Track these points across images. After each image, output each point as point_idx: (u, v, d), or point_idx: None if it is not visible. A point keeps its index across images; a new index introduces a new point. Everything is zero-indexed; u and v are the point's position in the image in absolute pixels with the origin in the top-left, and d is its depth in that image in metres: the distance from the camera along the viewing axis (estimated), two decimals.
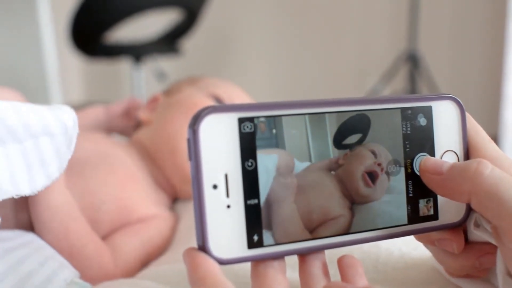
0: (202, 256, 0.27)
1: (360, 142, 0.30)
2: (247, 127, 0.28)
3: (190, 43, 2.47)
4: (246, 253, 0.28)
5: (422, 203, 0.32)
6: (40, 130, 0.39)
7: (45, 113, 0.40)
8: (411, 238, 0.41)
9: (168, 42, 2.14)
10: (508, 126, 2.10)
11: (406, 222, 0.31)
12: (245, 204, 0.27)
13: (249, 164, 0.28)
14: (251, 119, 0.28)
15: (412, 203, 0.32)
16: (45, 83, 2.11)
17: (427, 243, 0.34)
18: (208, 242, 0.27)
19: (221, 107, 0.27)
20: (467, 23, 2.34)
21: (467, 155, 0.33)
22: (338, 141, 0.30)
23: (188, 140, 0.27)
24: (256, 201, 0.28)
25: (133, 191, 0.54)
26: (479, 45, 2.33)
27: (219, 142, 0.27)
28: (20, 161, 0.38)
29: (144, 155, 0.60)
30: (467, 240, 0.33)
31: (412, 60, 2.18)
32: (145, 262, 0.51)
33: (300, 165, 0.29)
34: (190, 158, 0.27)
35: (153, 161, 0.60)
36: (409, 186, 0.32)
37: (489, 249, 0.33)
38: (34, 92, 2.08)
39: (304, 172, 0.29)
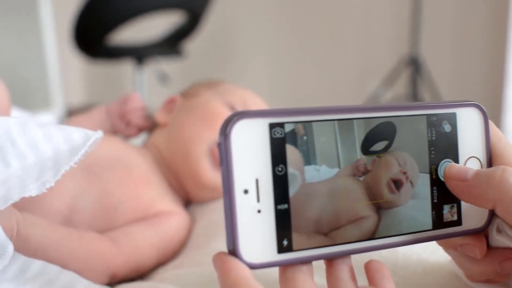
0: (233, 260, 0.27)
1: (386, 148, 0.31)
2: (278, 132, 0.28)
3: (192, 45, 2.47)
4: (276, 257, 0.28)
5: (446, 208, 0.32)
6: (62, 139, 0.40)
7: (68, 127, 0.42)
8: (429, 243, 0.41)
9: (171, 44, 2.14)
10: (509, 130, 2.10)
11: (431, 227, 0.32)
12: (276, 209, 0.28)
13: (279, 169, 0.28)
14: (281, 125, 0.28)
15: (437, 208, 0.32)
16: (47, 84, 2.11)
17: (450, 248, 0.35)
18: (239, 246, 0.27)
19: (252, 112, 0.28)
20: (469, 28, 2.35)
21: (490, 161, 0.33)
22: (366, 148, 0.30)
23: (220, 145, 0.27)
24: (286, 206, 0.28)
25: (148, 191, 0.54)
26: (481, 50, 2.34)
27: (250, 147, 0.27)
28: (35, 170, 0.39)
29: (159, 159, 0.61)
30: (488, 246, 0.34)
31: (414, 65, 2.19)
32: (161, 256, 0.51)
33: (330, 171, 0.29)
34: (221, 163, 0.27)
35: (167, 164, 0.60)
36: (434, 192, 0.32)
37: (511, 254, 0.33)
38: (36, 93, 2.08)
39: (334, 178, 0.29)
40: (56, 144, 0.40)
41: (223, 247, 0.47)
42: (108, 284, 0.47)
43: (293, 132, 0.28)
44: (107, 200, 0.51)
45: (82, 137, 0.41)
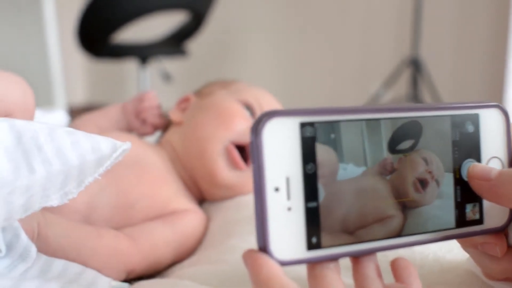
0: (264, 257, 0.27)
1: (412, 147, 0.31)
2: (308, 131, 0.28)
3: (194, 44, 2.48)
4: (305, 254, 0.28)
5: (468, 207, 0.33)
6: (89, 148, 0.40)
7: (96, 136, 0.41)
8: (445, 241, 0.41)
9: (175, 44, 2.15)
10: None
11: (454, 226, 0.32)
12: (305, 207, 0.28)
13: (309, 167, 0.28)
14: (312, 124, 0.28)
15: (460, 207, 0.32)
16: (49, 82, 2.11)
17: (469, 246, 0.35)
18: (270, 243, 0.27)
19: (283, 111, 0.28)
20: (469, 29, 2.36)
21: (511, 162, 0.34)
22: (393, 147, 0.31)
23: (251, 143, 0.28)
24: (315, 204, 0.28)
25: (165, 189, 0.55)
26: (481, 51, 2.35)
27: (281, 145, 0.28)
28: (59, 178, 0.39)
29: (173, 157, 0.61)
30: (508, 244, 0.34)
31: (415, 66, 2.20)
32: (177, 254, 0.52)
33: (357, 170, 0.30)
34: (252, 161, 0.28)
35: (182, 163, 0.60)
36: (457, 191, 0.32)
37: None
38: (38, 91, 2.07)
39: (361, 177, 0.30)
40: (83, 153, 0.39)
41: (240, 245, 0.48)
42: (124, 280, 0.48)
43: (322, 131, 0.29)
44: (124, 198, 0.51)
45: (110, 148, 0.40)
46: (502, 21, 2.24)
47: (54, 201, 0.36)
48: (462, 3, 2.35)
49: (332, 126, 0.29)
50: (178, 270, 0.49)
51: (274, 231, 0.28)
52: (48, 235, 0.42)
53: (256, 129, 0.27)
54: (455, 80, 2.43)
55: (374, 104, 0.31)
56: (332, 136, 0.29)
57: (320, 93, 2.70)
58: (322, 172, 0.29)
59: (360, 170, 0.30)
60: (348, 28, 2.59)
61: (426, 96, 2.29)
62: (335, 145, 0.29)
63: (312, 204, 0.28)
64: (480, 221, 0.33)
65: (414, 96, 2.23)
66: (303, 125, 0.28)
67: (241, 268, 0.43)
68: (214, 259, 0.46)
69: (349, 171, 0.29)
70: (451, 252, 0.44)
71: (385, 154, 0.30)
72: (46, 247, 0.42)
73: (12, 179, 0.38)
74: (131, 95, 3.40)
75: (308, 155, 0.28)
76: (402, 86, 2.40)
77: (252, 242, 0.49)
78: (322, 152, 0.29)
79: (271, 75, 2.72)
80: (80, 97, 3.17)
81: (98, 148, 0.40)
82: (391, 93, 2.45)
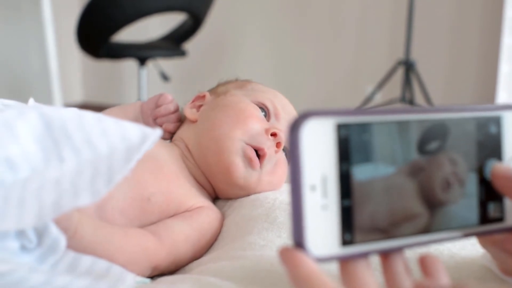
0: (301, 255, 0.28)
1: (440, 149, 0.32)
2: (344, 132, 0.29)
3: (190, 44, 2.49)
4: (339, 250, 0.29)
5: (491, 206, 0.34)
6: (119, 136, 0.40)
7: (125, 124, 0.41)
8: None
9: (173, 45, 2.15)
10: None
11: (477, 223, 0.34)
12: (340, 205, 0.29)
13: (344, 167, 0.29)
14: (347, 125, 0.29)
15: (483, 206, 0.34)
16: (47, 81, 2.10)
17: (490, 243, 0.37)
18: (306, 240, 0.28)
19: (320, 111, 0.29)
20: (462, 33, 2.39)
21: None
22: (421, 148, 0.32)
23: (289, 142, 0.29)
24: (349, 202, 0.30)
25: (180, 187, 0.56)
26: (473, 54, 2.38)
27: (318, 145, 0.29)
28: (88, 172, 0.38)
29: (186, 154, 0.61)
30: None
31: (407, 68, 2.23)
32: (196, 250, 0.53)
33: (388, 170, 0.31)
34: (290, 160, 0.29)
35: (195, 160, 0.61)
36: (480, 190, 0.34)
37: None
38: (36, 90, 2.07)
39: (392, 176, 0.31)
40: (112, 141, 0.39)
41: (258, 242, 0.49)
42: (149, 277, 0.49)
43: (357, 132, 0.30)
44: (140, 190, 0.52)
45: (139, 136, 0.40)
46: (494, 25, 2.28)
47: (84, 199, 0.36)
48: (454, 7, 2.38)
49: (366, 127, 0.30)
50: (196, 267, 0.49)
51: (310, 228, 0.29)
52: (83, 234, 0.42)
53: (294, 128, 0.29)
54: (447, 82, 2.46)
55: (404, 107, 0.33)
56: (366, 136, 0.30)
57: (315, 94, 2.72)
58: (355, 171, 0.30)
59: (391, 170, 0.31)
60: (343, 31, 2.61)
61: (419, 98, 2.32)
62: (368, 145, 0.30)
63: (346, 202, 0.29)
64: (501, 219, 0.35)
65: (408, 99, 2.26)
66: (339, 126, 0.29)
67: (262, 263, 0.44)
68: (234, 255, 0.47)
69: (380, 170, 0.31)
70: (465, 249, 0.45)
71: (414, 154, 0.32)
72: (76, 245, 0.42)
73: (43, 168, 0.38)
74: (128, 94, 3.39)
75: (343, 154, 0.29)
76: (395, 88, 2.42)
77: (269, 239, 0.50)
78: (356, 152, 0.30)
79: (266, 76, 2.74)
80: (78, 97, 3.16)
81: (127, 138, 0.40)
82: (384, 95, 2.47)
